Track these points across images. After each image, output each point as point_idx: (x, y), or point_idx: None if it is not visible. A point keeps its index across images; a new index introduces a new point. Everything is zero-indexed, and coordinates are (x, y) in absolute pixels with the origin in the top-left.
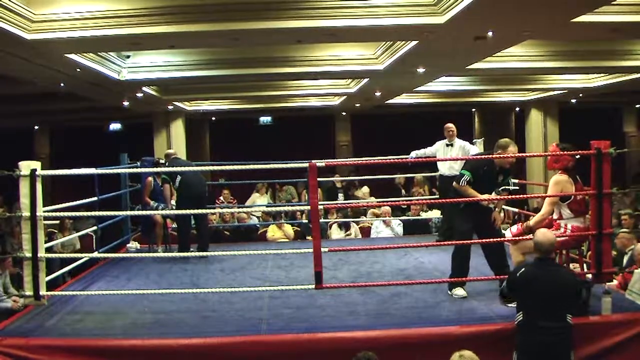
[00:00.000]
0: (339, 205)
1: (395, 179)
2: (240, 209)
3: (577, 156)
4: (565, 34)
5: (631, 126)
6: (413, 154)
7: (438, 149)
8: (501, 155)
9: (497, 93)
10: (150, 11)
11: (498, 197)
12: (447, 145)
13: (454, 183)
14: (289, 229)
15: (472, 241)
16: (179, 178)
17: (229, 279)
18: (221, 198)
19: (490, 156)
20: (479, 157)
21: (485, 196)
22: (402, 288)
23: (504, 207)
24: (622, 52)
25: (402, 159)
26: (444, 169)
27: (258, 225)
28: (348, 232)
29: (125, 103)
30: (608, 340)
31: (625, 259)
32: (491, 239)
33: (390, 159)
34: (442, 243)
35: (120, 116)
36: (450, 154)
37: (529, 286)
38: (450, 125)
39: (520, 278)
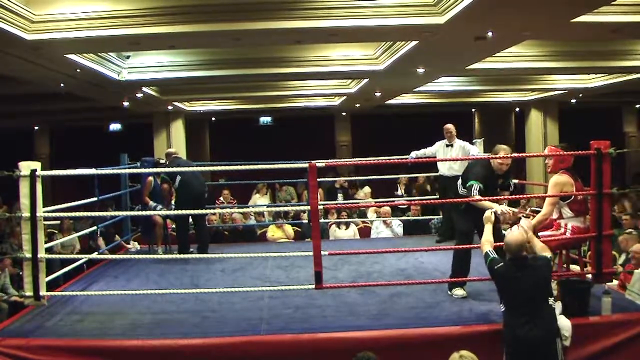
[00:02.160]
0: (339, 205)
1: (398, 191)
2: (240, 209)
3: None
4: (565, 34)
5: (631, 126)
6: (413, 154)
7: (438, 149)
8: (492, 156)
9: (497, 93)
10: (150, 11)
11: (508, 196)
12: (447, 145)
13: (466, 192)
14: (289, 229)
15: (472, 246)
16: (178, 178)
17: (229, 279)
18: (221, 198)
19: (486, 156)
20: (475, 158)
21: (495, 205)
22: (402, 288)
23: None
24: (622, 52)
25: (402, 159)
26: (444, 169)
27: (255, 227)
28: (347, 228)
29: (125, 103)
30: (608, 340)
31: (623, 258)
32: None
33: (390, 159)
34: (445, 247)
35: (120, 116)
36: (450, 154)
37: (503, 282)
38: (449, 126)
39: (497, 271)
